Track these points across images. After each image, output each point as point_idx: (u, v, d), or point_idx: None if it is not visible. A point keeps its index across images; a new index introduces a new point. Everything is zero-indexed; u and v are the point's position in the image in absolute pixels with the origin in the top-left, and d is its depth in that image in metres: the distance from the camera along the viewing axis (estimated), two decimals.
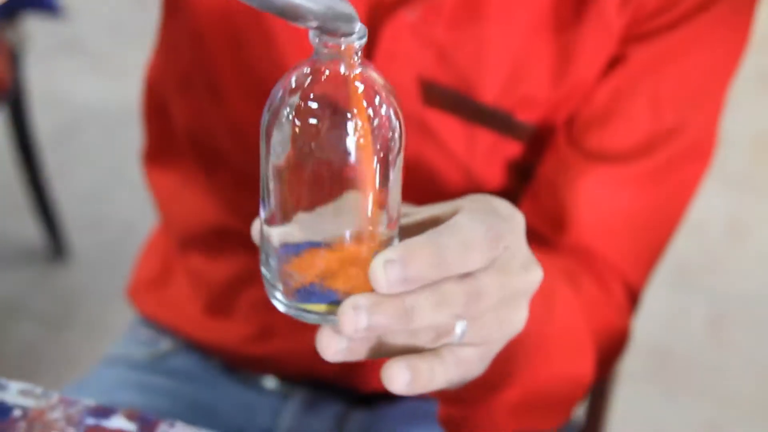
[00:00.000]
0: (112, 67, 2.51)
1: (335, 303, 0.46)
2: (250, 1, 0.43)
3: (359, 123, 0.45)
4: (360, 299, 0.45)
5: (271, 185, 0.47)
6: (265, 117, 0.47)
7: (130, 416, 0.61)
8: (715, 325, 1.86)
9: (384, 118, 0.46)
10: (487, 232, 0.47)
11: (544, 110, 0.72)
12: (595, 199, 0.71)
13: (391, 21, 0.68)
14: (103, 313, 1.82)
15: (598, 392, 0.91)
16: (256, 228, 0.51)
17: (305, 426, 0.84)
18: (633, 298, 0.75)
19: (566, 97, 0.71)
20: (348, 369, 0.82)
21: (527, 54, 0.69)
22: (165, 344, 0.89)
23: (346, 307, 0.45)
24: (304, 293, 0.47)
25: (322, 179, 0.46)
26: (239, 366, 0.87)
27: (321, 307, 0.47)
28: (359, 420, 0.85)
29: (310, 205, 0.46)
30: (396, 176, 0.47)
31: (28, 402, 0.62)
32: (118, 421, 0.61)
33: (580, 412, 0.92)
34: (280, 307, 0.49)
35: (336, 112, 0.45)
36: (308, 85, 0.46)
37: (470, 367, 0.51)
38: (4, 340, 1.77)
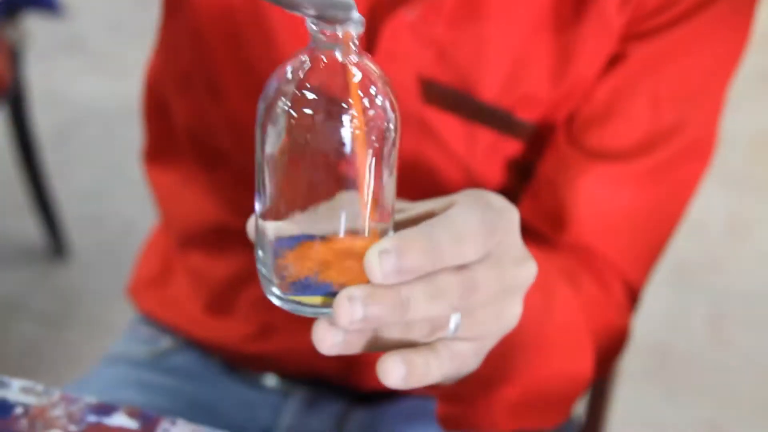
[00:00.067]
0: (112, 66, 2.51)
1: (331, 295, 0.46)
2: None
3: (354, 111, 0.45)
4: (355, 290, 0.45)
5: (266, 175, 0.47)
6: (261, 106, 0.47)
7: (132, 413, 0.61)
8: (715, 324, 1.87)
9: (380, 108, 0.46)
10: (481, 224, 0.47)
11: (544, 109, 0.72)
12: (595, 197, 0.71)
13: (391, 20, 0.68)
14: (104, 311, 1.82)
15: (598, 391, 0.91)
16: (251, 224, 0.51)
17: (305, 424, 0.84)
18: (633, 296, 0.75)
19: (566, 96, 0.71)
20: (348, 367, 0.82)
21: (527, 53, 0.69)
22: (165, 342, 0.89)
23: (342, 298, 0.45)
24: (299, 286, 0.47)
25: (317, 168, 0.46)
26: (239, 364, 0.87)
27: (317, 300, 0.47)
28: (359, 418, 0.85)
29: (305, 196, 0.46)
30: (391, 168, 0.47)
31: (30, 399, 0.62)
32: (119, 419, 0.61)
33: (580, 411, 0.92)
34: (276, 301, 0.49)
35: (332, 100, 0.45)
36: (304, 73, 0.46)
37: (465, 362, 0.51)
38: (4, 339, 1.77)
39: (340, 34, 0.45)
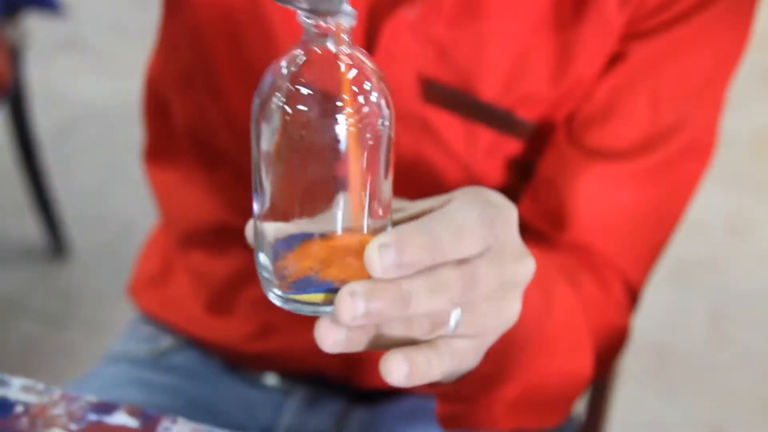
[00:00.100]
0: (113, 66, 2.51)
1: (332, 292, 0.46)
2: None
3: (347, 103, 0.45)
4: (356, 286, 0.45)
5: (263, 173, 0.47)
6: (256, 101, 0.47)
7: (132, 412, 0.61)
8: (715, 324, 1.87)
9: (373, 101, 0.46)
10: (480, 219, 0.47)
11: (544, 108, 0.72)
12: (595, 196, 0.71)
13: (391, 19, 0.68)
14: (104, 310, 1.82)
15: (599, 390, 0.91)
16: (249, 228, 0.51)
17: (306, 423, 0.84)
18: (633, 296, 0.75)
19: (566, 95, 0.71)
20: (348, 366, 0.82)
21: (527, 52, 0.70)
22: (166, 341, 0.89)
23: (343, 294, 0.45)
24: (300, 285, 0.47)
25: (312, 163, 0.45)
26: (240, 363, 0.87)
27: (318, 297, 0.47)
28: (360, 417, 0.85)
29: (302, 193, 0.46)
30: (387, 161, 0.47)
31: (31, 398, 0.62)
32: (120, 417, 0.61)
33: (580, 410, 0.92)
34: (277, 301, 0.49)
35: (326, 93, 0.45)
36: (298, 67, 0.46)
37: (465, 359, 0.51)
38: (4, 338, 1.77)
39: (332, 26, 0.45)
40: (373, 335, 0.48)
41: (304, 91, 0.45)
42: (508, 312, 0.51)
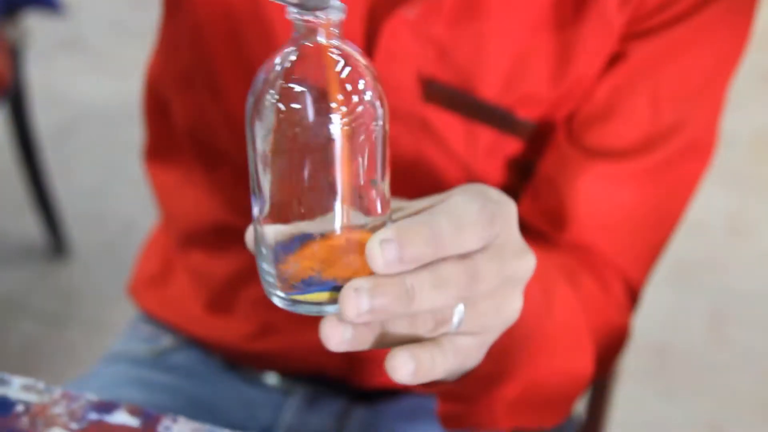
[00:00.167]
0: (113, 65, 2.51)
1: (336, 290, 0.46)
2: None
3: (339, 99, 0.45)
4: (361, 282, 0.45)
5: (260, 172, 0.47)
6: (249, 101, 0.47)
7: (133, 411, 0.61)
8: (715, 323, 1.87)
9: (365, 96, 0.46)
10: (481, 213, 0.47)
11: (545, 108, 0.72)
12: (595, 196, 0.71)
13: (391, 19, 0.68)
14: (104, 310, 1.82)
15: (599, 390, 0.91)
16: (249, 234, 0.51)
17: (306, 422, 0.84)
18: (633, 295, 0.75)
19: (566, 95, 0.71)
20: (349, 365, 0.82)
21: (527, 51, 0.70)
22: (166, 341, 0.89)
23: (347, 291, 0.45)
24: (303, 286, 0.47)
25: (308, 160, 0.45)
26: (240, 363, 0.87)
27: (322, 296, 0.47)
28: (360, 416, 0.85)
29: (299, 192, 0.46)
30: (383, 156, 0.47)
31: (31, 397, 0.62)
32: (120, 416, 0.61)
33: (580, 409, 0.92)
34: (281, 304, 0.49)
35: (318, 88, 0.45)
36: (289, 64, 0.46)
37: (468, 356, 0.51)
38: (4, 337, 1.77)
39: (322, 21, 0.45)
40: (378, 333, 0.48)
41: (297, 88, 0.45)
42: (509, 308, 0.51)
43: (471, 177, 0.74)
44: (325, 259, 0.47)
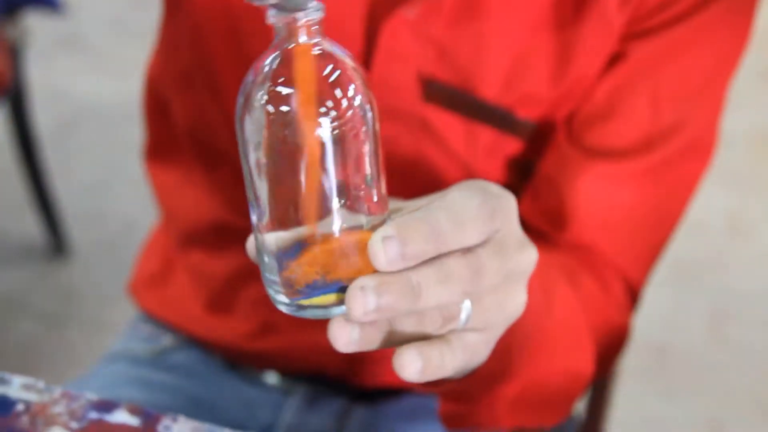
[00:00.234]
0: (113, 64, 2.51)
1: (343, 291, 0.46)
2: None
3: (323, 99, 0.45)
4: (366, 280, 0.45)
5: (255, 183, 0.47)
6: (238, 111, 0.46)
7: (133, 411, 0.61)
8: (715, 323, 1.87)
9: (351, 95, 0.45)
10: (481, 207, 0.47)
11: (545, 108, 0.72)
12: (596, 196, 0.71)
13: (391, 19, 0.68)
14: (104, 309, 1.82)
15: (599, 389, 0.92)
16: (250, 242, 0.51)
17: (306, 422, 0.84)
18: (633, 295, 0.75)
19: (566, 95, 0.71)
20: (349, 365, 0.82)
21: (527, 51, 0.70)
22: (166, 340, 0.89)
23: (353, 290, 0.45)
24: (308, 290, 0.47)
25: (300, 163, 0.45)
26: (240, 362, 0.87)
27: (329, 299, 0.47)
28: (360, 416, 0.85)
29: (295, 196, 0.46)
30: (375, 153, 0.47)
31: (31, 396, 0.62)
32: (121, 416, 0.61)
33: (580, 409, 0.93)
34: (287, 310, 0.48)
35: (300, 90, 0.45)
36: (272, 68, 0.45)
37: (476, 353, 0.51)
38: (4, 337, 1.77)
39: (302, 21, 0.45)
40: (385, 332, 0.48)
41: (283, 92, 0.45)
42: (514, 303, 0.51)
43: (471, 177, 0.74)
44: (327, 262, 0.46)
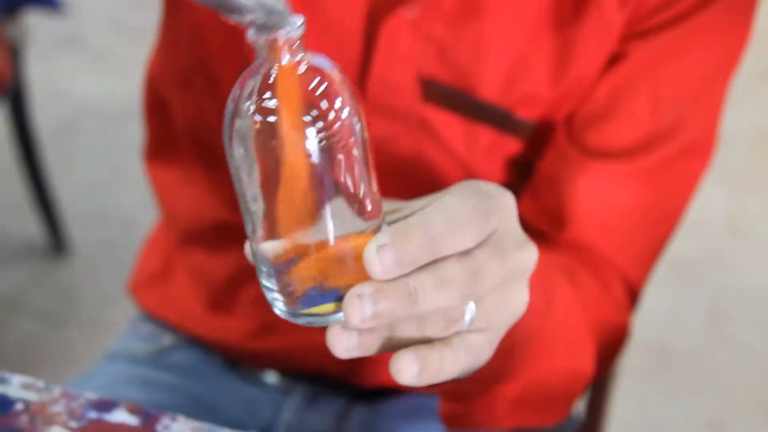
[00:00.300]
0: (113, 64, 2.51)
1: (340, 299, 0.46)
2: None
3: (311, 113, 0.45)
4: (362, 288, 0.45)
5: (247, 196, 0.47)
6: (225, 131, 0.46)
7: (132, 410, 0.61)
8: (715, 323, 1.87)
9: (337, 106, 0.45)
10: (475, 209, 0.47)
11: (544, 108, 0.72)
12: (595, 196, 0.71)
13: (391, 19, 0.68)
14: (104, 308, 1.82)
15: (598, 389, 0.92)
16: (248, 248, 0.51)
17: (306, 421, 0.84)
18: (633, 295, 0.75)
19: (566, 95, 0.71)
20: (349, 365, 0.82)
21: (527, 51, 0.70)
22: (166, 340, 0.89)
23: (350, 297, 0.45)
24: (307, 298, 0.47)
25: (288, 178, 0.45)
26: (240, 361, 0.87)
27: (328, 307, 0.47)
28: (360, 416, 0.85)
29: (288, 206, 0.46)
30: (365, 161, 0.47)
31: (31, 395, 0.62)
32: (120, 415, 0.61)
33: (580, 408, 0.93)
34: (287, 318, 0.48)
35: (286, 104, 0.45)
36: (257, 84, 0.45)
37: (480, 354, 0.51)
38: (4, 336, 1.77)
39: (280, 40, 0.45)
40: (385, 338, 0.48)
41: (269, 106, 0.45)
42: (516, 301, 0.51)
43: (471, 177, 0.74)
44: (324, 269, 0.46)
